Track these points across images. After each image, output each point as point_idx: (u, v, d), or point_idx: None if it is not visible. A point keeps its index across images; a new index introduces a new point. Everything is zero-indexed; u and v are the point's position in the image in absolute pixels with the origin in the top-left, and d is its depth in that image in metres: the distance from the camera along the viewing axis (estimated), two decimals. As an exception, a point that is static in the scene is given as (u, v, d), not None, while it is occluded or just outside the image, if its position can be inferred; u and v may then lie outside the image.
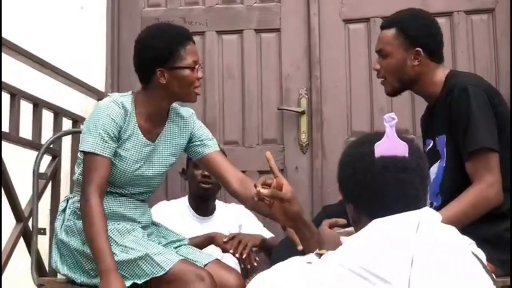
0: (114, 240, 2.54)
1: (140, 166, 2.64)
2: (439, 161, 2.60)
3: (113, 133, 2.55)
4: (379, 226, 1.65)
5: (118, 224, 2.59)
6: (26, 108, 3.02)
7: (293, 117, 3.82)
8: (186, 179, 3.41)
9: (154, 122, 2.68)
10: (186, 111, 2.79)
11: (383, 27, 2.72)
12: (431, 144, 2.66)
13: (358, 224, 1.77)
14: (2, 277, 2.80)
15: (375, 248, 1.60)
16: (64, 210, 2.67)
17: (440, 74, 2.64)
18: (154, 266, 2.45)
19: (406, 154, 1.71)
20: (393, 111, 3.26)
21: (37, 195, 2.93)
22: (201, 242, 3.02)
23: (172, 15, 3.99)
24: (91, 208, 2.46)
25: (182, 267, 2.46)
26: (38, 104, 3.07)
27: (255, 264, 3.02)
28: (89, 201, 2.47)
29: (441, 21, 3.68)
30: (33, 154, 2.99)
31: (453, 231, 1.71)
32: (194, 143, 2.77)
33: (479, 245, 2.31)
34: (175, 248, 2.74)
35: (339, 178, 1.83)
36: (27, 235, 2.91)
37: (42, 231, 2.89)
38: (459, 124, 2.49)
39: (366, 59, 3.81)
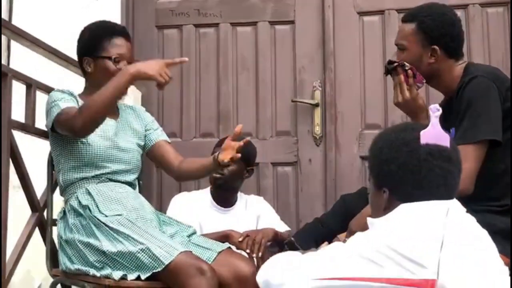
0: (116, 229, 2.56)
1: (110, 139, 2.76)
2: None
3: (69, 97, 2.70)
4: (410, 210, 1.68)
5: (119, 216, 2.62)
6: (41, 99, 3.03)
7: (307, 110, 3.81)
8: None
9: None
10: (136, 107, 3.02)
11: (404, 20, 2.72)
12: None
13: (388, 210, 1.78)
14: (17, 268, 2.82)
15: (407, 230, 1.62)
16: (62, 217, 2.72)
17: (458, 69, 2.64)
18: (154, 259, 2.46)
19: (449, 145, 1.74)
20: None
21: (52, 185, 2.94)
22: (216, 239, 3.03)
23: (186, 7, 3.99)
24: (83, 107, 2.58)
25: (183, 261, 2.46)
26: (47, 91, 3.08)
27: None
28: (78, 112, 2.57)
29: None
30: (48, 144, 3.00)
31: (474, 221, 1.75)
32: (149, 132, 2.94)
33: (494, 237, 2.33)
34: (188, 236, 2.76)
35: (376, 161, 1.84)
36: (42, 225, 2.93)
37: (57, 222, 2.90)
38: (460, 112, 2.52)
39: (381, 51, 3.80)
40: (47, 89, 3.05)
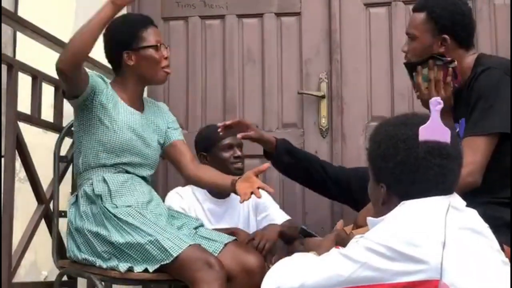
0: (125, 221, 2.57)
1: (135, 130, 2.78)
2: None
3: (99, 80, 2.76)
4: (410, 209, 1.66)
5: (129, 207, 2.63)
6: (47, 91, 3.03)
7: (313, 101, 3.80)
8: (208, 162, 3.37)
9: (133, 102, 2.86)
10: (160, 104, 3.06)
11: (414, 9, 2.70)
12: (457, 129, 2.65)
13: (386, 204, 1.77)
14: (23, 260, 2.83)
15: (407, 229, 1.60)
16: (75, 203, 2.72)
17: (469, 59, 2.62)
18: (162, 251, 2.47)
19: (449, 141, 1.71)
20: (414, 96, 3.28)
21: (58, 177, 2.95)
22: None
23: (192, -2, 3.98)
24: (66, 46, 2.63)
25: (191, 254, 2.47)
26: (59, 87, 3.08)
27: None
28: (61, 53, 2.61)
29: (463, 5, 3.68)
30: (55, 136, 3.01)
31: (476, 214, 1.72)
32: (168, 130, 2.97)
33: (501, 229, 2.32)
34: (195, 229, 2.77)
35: (374, 156, 1.82)
36: (49, 217, 2.93)
37: (63, 214, 2.91)
38: (471, 104, 2.49)
39: (387, 43, 3.78)
40: (53, 81, 3.05)
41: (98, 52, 2.85)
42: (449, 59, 2.61)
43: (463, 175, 2.28)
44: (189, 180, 3.01)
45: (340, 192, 3.11)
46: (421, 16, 2.65)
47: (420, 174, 1.70)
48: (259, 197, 2.60)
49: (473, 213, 1.73)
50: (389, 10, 3.81)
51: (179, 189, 3.33)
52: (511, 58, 3.31)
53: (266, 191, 2.66)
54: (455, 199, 1.72)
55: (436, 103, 1.72)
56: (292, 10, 3.90)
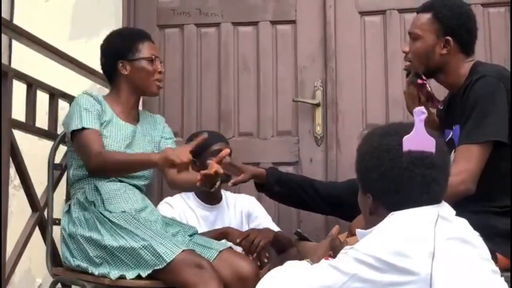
0: (119, 225, 2.59)
1: (127, 144, 2.81)
2: (453, 153, 2.60)
3: (95, 110, 2.75)
4: (398, 220, 1.65)
5: (122, 212, 2.64)
6: (42, 98, 3.03)
7: (308, 109, 3.81)
8: (198, 168, 3.37)
9: (127, 115, 2.89)
10: (157, 117, 3.10)
11: (419, 10, 2.71)
12: (450, 135, 2.65)
13: (374, 215, 1.76)
14: (17, 267, 2.82)
15: (396, 241, 1.60)
16: (67, 211, 2.74)
17: (466, 66, 2.62)
18: (156, 256, 2.48)
19: (433, 150, 1.70)
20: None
21: (52, 185, 2.95)
22: (215, 237, 3.03)
23: (187, 6, 3.98)
24: (105, 155, 2.66)
25: (184, 259, 2.48)
26: (55, 95, 3.08)
27: (266, 260, 3.03)
28: (99, 154, 2.65)
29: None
30: (49, 144, 3.01)
31: (466, 224, 1.72)
32: (162, 139, 3.01)
33: (495, 239, 2.33)
34: (190, 236, 2.77)
35: (360, 167, 1.81)
36: (43, 225, 2.93)
37: (57, 221, 2.91)
38: (466, 111, 2.49)
39: (382, 51, 3.79)
40: (48, 89, 3.05)
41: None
42: (421, 81, 2.62)
43: (456, 183, 2.29)
44: (171, 184, 3.03)
45: (333, 209, 3.11)
46: (426, 16, 2.65)
47: (404, 184, 1.69)
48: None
49: (462, 223, 1.73)
50: (384, 18, 3.82)
51: (168, 199, 3.33)
52: (511, 65, 3.34)
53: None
54: (444, 209, 1.71)
55: (420, 113, 1.71)
56: (287, 18, 3.91)
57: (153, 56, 2.89)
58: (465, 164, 2.41)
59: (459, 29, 2.61)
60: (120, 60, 2.88)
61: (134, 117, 2.94)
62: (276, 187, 2.99)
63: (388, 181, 1.71)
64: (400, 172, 1.69)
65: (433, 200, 1.70)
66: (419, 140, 1.70)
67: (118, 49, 2.90)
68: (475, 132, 2.46)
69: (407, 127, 1.72)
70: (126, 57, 2.88)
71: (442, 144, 1.76)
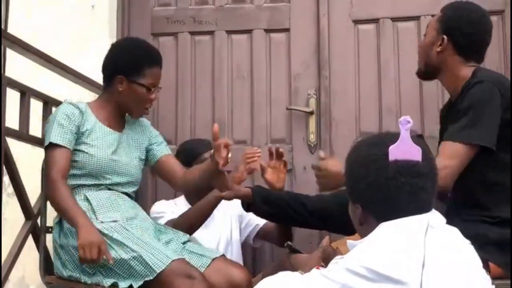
0: (110, 236, 2.58)
1: (113, 151, 2.79)
2: None
3: (70, 126, 2.72)
4: (388, 229, 1.65)
5: (114, 222, 2.63)
6: (36, 106, 3.03)
7: (302, 117, 3.82)
8: None
9: (112, 122, 2.87)
10: (143, 120, 3.03)
11: (440, 11, 2.78)
12: None
13: (364, 225, 1.77)
14: (11, 275, 2.82)
15: (387, 251, 1.60)
16: (58, 222, 2.74)
17: (466, 71, 2.63)
18: (146, 267, 2.47)
19: (420, 159, 1.71)
20: (402, 112, 3.30)
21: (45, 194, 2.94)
22: (208, 205, 3.06)
23: (182, 15, 4.00)
24: (57, 187, 2.62)
25: (174, 269, 2.47)
26: (48, 102, 3.08)
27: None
28: (55, 184, 2.62)
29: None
30: (43, 152, 3.00)
31: (456, 232, 1.72)
32: (153, 146, 2.98)
33: (485, 247, 2.33)
34: (183, 243, 2.77)
35: (348, 177, 1.82)
36: (36, 233, 2.93)
37: (50, 230, 2.90)
38: (459, 113, 2.52)
39: (375, 59, 3.81)
40: (41, 97, 3.05)
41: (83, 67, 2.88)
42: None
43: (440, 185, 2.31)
44: (182, 188, 3.06)
45: (322, 222, 3.07)
46: (438, 15, 2.74)
47: (391, 193, 1.70)
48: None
49: (453, 231, 1.73)
50: (377, 27, 3.84)
51: (158, 208, 3.34)
52: (511, 71, 3.36)
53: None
54: (434, 217, 1.71)
55: (405, 122, 1.71)
56: (281, 26, 3.92)
57: (153, 88, 2.83)
58: (448, 160, 2.42)
59: (454, 31, 2.65)
60: (121, 75, 2.82)
61: (119, 124, 2.91)
62: (263, 206, 2.96)
63: (375, 191, 1.72)
64: (387, 181, 1.70)
65: (422, 208, 1.70)
66: (405, 149, 1.71)
67: (123, 63, 2.83)
68: (465, 132, 2.47)
69: (394, 137, 1.72)
70: (127, 75, 2.81)
71: (428, 153, 1.76)
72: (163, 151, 3.00)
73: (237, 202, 3.39)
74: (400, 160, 1.70)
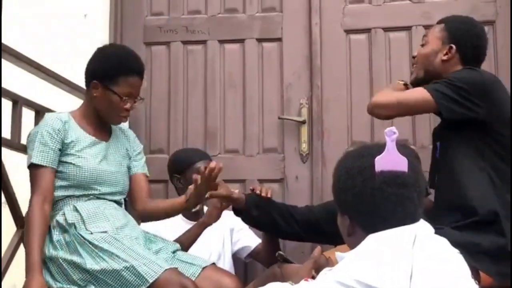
0: (100, 247, 2.56)
1: (100, 160, 2.78)
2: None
3: (52, 144, 2.70)
4: (376, 241, 1.65)
5: (104, 233, 2.62)
6: (27, 115, 3.03)
7: (294, 127, 3.82)
8: (182, 185, 3.39)
9: (97, 130, 2.85)
10: (127, 131, 3.04)
11: (437, 22, 2.88)
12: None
13: (352, 236, 1.77)
14: (2, 283, 2.81)
15: (375, 262, 1.60)
16: (48, 233, 2.72)
17: None
18: (138, 277, 2.46)
19: (406, 169, 1.71)
20: (393, 122, 3.31)
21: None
22: (194, 233, 3.07)
23: (174, 24, 4.00)
24: (32, 215, 2.60)
25: (167, 278, 2.47)
26: (40, 111, 3.08)
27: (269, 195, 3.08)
28: (31, 210, 2.62)
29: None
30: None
31: (444, 242, 1.73)
32: (131, 159, 2.97)
33: (477, 255, 2.34)
34: (173, 252, 2.77)
35: (335, 189, 1.82)
36: (27, 242, 2.92)
37: (42, 238, 2.90)
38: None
39: (367, 69, 3.82)
40: (33, 106, 3.04)
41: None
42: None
43: (378, 102, 2.64)
44: (140, 215, 3.00)
45: (311, 234, 3.07)
46: (439, 26, 2.83)
47: (377, 204, 1.70)
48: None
49: (441, 240, 1.73)
50: (369, 37, 3.85)
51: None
52: (511, 80, 3.39)
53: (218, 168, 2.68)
54: (423, 227, 1.72)
55: (391, 133, 1.72)
56: (273, 36, 3.93)
57: (126, 98, 2.77)
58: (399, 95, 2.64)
59: (464, 41, 2.73)
60: (96, 80, 2.79)
61: (104, 132, 2.90)
62: (254, 211, 2.97)
63: (362, 202, 1.72)
64: (373, 192, 1.70)
65: (408, 218, 1.70)
66: (391, 160, 1.71)
67: (99, 68, 2.81)
68: (432, 85, 2.61)
69: (380, 147, 1.73)
70: (102, 81, 2.78)
71: (415, 163, 1.77)
72: (138, 169, 2.98)
73: (228, 215, 3.40)
74: (386, 171, 1.70)
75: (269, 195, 3.06)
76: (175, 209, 2.85)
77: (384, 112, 2.67)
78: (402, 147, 1.77)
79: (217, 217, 3.11)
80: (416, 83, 2.84)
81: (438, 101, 2.53)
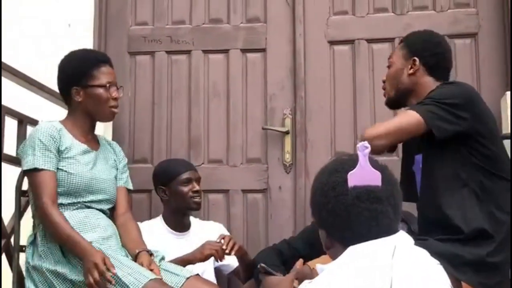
0: None
1: (91, 168, 2.78)
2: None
3: (51, 146, 2.70)
4: (356, 253, 1.66)
5: (89, 243, 2.61)
6: (10, 124, 3.02)
7: (277, 137, 3.83)
8: (167, 196, 3.39)
9: (87, 139, 2.86)
10: (113, 143, 3.06)
11: (399, 42, 2.91)
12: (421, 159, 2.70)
13: (331, 250, 1.77)
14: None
15: (355, 274, 1.60)
16: (32, 242, 2.70)
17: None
18: (123, 287, 2.45)
19: (379, 183, 1.70)
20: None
21: (20, 212, 2.92)
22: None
23: (159, 34, 4.01)
24: (55, 219, 2.59)
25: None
26: (23, 121, 3.07)
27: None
28: (51, 215, 2.60)
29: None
30: (18, 170, 2.99)
31: (423, 253, 1.73)
32: (119, 170, 2.98)
33: (460, 267, 2.35)
34: (159, 261, 2.76)
35: (311, 204, 1.82)
36: (9, 252, 2.90)
37: (24, 248, 2.88)
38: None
39: (351, 80, 3.84)
40: (17, 115, 3.03)
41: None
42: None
43: (372, 134, 2.50)
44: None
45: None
46: (399, 45, 2.85)
47: (351, 219, 1.69)
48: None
49: (420, 251, 1.73)
50: (353, 48, 3.87)
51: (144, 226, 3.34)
52: (510, 78, 3.41)
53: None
54: (402, 238, 1.72)
55: (363, 148, 1.71)
56: (257, 46, 3.95)
57: (108, 84, 2.82)
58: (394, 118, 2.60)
59: (423, 51, 2.75)
60: (74, 86, 2.82)
61: (93, 141, 2.91)
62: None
63: (336, 218, 1.71)
64: (347, 208, 1.69)
65: (384, 232, 1.69)
66: (363, 175, 1.69)
67: (72, 74, 2.83)
68: (422, 106, 2.56)
69: (355, 162, 1.72)
70: (80, 83, 2.81)
71: (390, 176, 1.76)
72: (122, 182, 2.98)
73: (213, 228, 3.40)
74: (360, 186, 1.70)
75: (232, 252, 3.05)
76: (127, 250, 2.80)
77: (381, 142, 2.57)
78: (377, 162, 1.76)
79: (205, 259, 3.09)
80: (390, 105, 2.86)
81: (431, 123, 2.50)
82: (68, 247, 2.58)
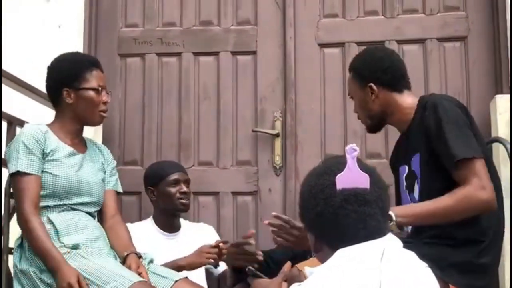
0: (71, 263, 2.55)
1: (77, 170, 2.78)
2: (416, 183, 2.63)
3: (35, 149, 2.69)
4: (345, 256, 1.66)
5: (74, 248, 2.61)
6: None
7: (268, 139, 3.84)
8: (156, 197, 3.39)
9: (74, 142, 2.85)
10: (101, 146, 3.06)
11: (349, 71, 2.82)
12: (407, 169, 2.68)
13: (319, 253, 1.78)
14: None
15: (344, 278, 1.60)
16: (20, 245, 2.69)
17: (409, 100, 2.68)
18: None
19: (368, 186, 1.70)
20: (366, 135, 3.34)
21: (8, 213, 2.91)
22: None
23: (149, 36, 4.01)
24: (33, 226, 2.59)
25: None
26: (12, 122, 3.06)
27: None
28: (30, 221, 2.60)
29: (414, 47, 3.80)
30: (5, 172, 2.98)
31: (412, 256, 1.73)
32: (108, 173, 2.96)
33: (446, 269, 2.36)
34: (147, 264, 2.76)
35: (300, 207, 1.82)
36: (-2, 253, 2.89)
37: (13, 251, 2.87)
38: (435, 138, 2.49)
39: (341, 83, 3.84)
40: (6, 117, 3.02)
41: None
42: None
43: (488, 198, 2.36)
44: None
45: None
46: (350, 76, 2.79)
47: (339, 222, 1.69)
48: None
49: (409, 254, 1.74)
50: (343, 50, 3.88)
51: (128, 225, 3.33)
52: (510, 83, 3.41)
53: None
54: (390, 242, 1.72)
55: (352, 150, 1.71)
56: (248, 49, 3.95)
57: (100, 88, 2.83)
58: (485, 180, 2.40)
59: (374, 73, 2.69)
60: (66, 88, 2.81)
61: (80, 144, 2.90)
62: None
63: (324, 220, 1.71)
64: (335, 210, 1.69)
65: (372, 235, 1.69)
66: (351, 177, 1.70)
67: (64, 76, 2.83)
68: (468, 149, 2.43)
69: (343, 164, 1.71)
70: (72, 86, 2.81)
71: (378, 179, 1.76)
72: (111, 185, 2.97)
73: (204, 229, 3.40)
74: (348, 189, 1.70)
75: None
76: (116, 252, 2.79)
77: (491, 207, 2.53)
78: (365, 166, 1.76)
79: (199, 267, 3.10)
80: (373, 130, 2.84)
81: (476, 155, 2.44)
82: (42, 258, 2.57)
